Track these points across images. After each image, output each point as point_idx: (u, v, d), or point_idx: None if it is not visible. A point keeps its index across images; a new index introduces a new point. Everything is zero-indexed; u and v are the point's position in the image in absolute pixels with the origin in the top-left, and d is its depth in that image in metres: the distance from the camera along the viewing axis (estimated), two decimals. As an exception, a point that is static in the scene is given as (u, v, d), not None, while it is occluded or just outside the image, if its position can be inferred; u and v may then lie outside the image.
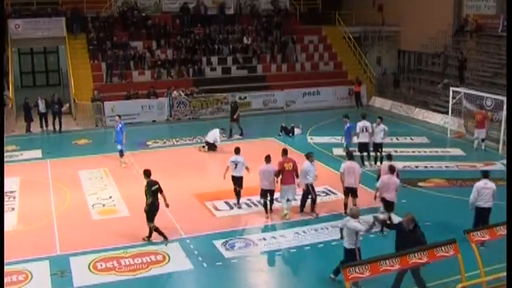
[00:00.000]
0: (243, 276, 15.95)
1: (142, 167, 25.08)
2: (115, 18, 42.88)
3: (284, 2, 46.70)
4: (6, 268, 15.86)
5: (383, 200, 18.11)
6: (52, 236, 18.44)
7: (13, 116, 35.79)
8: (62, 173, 24.96)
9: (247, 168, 20.40)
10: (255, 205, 20.42)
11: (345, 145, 25.40)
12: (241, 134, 30.77)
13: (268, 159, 19.47)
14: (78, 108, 36.42)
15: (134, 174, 24.53)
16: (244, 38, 42.67)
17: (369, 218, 15.76)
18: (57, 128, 33.58)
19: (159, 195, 17.58)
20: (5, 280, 15.23)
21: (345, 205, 19.42)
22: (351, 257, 13.99)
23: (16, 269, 15.97)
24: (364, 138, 25.04)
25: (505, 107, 26.39)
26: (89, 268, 16.07)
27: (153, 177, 17.85)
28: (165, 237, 17.67)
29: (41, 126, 34.08)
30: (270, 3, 46.20)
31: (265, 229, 18.73)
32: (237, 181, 20.56)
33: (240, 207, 20.57)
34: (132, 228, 18.67)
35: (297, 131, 31.25)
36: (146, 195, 17.59)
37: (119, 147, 25.85)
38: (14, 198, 22.23)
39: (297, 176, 19.37)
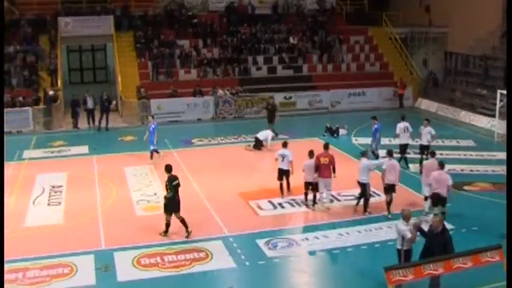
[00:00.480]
0: (285, 276, 15.98)
1: (187, 164, 25.56)
2: (162, 17, 43.25)
3: (330, 2, 46.53)
4: (53, 260, 16.32)
5: (434, 195, 18.28)
6: (97, 230, 18.73)
7: (61, 112, 36.37)
8: (107, 169, 25.30)
9: (291, 162, 21.01)
10: (299, 205, 20.47)
11: (372, 146, 25.41)
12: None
13: (311, 154, 20.22)
14: (125, 105, 36.84)
15: (178, 172, 24.68)
16: (291, 37, 42.65)
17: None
18: (103, 124, 34.01)
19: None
20: (52, 272, 15.69)
21: (388, 204, 19.53)
22: (398, 257, 13.94)
23: (62, 262, 16.27)
24: (404, 139, 24.96)
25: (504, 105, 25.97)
26: (132, 263, 16.25)
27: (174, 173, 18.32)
28: (166, 232, 18.06)
29: (88, 123, 34.60)
30: (316, 3, 46.09)
31: (308, 229, 18.72)
32: (284, 173, 21.29)
33: (284, 198, 21.20)
34: (176, 225, 18.77)
35: (342, 131, 31.16)
36: (167, 189, 17.99)
37: (152, 147, 26.07)
38: (61, 192, 22.67)
39: (334, 171, 20.07)
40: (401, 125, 25.05)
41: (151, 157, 26.11)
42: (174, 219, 17.98)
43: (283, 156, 21.30)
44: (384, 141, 27.12)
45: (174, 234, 18.09)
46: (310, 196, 20.43)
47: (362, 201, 19.73)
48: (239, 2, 44.40)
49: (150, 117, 27.11)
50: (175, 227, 18.50)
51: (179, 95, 36.88)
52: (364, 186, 19.53)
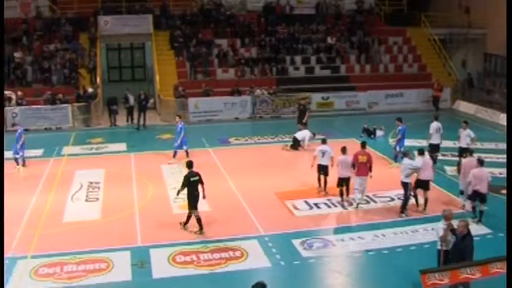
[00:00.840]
0: (319, 276, 15.97)
1: (223, 163, 25.67)
2: (200, 16, 43.43)
3: (369, 2, 46.31)
4: (90, 256, 16.54)
5: (474, 192, 18.40)
6: (134, 227, 18.91)
7: (100, 109, 36.77)
8: (145, 167, 25.51)
9: (332, 158, 21.39)
10: (335, 205, 20.44)
11: (397, 148, 25.21)
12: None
13: (344, 150, 20.61)
14: (163, 103, 37.10)
15: (215, 170, 24.85)
16: (329, 37, 42.56)
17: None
18: (141, 122, 34.28)
19: (198, 186, 18.24)
20: (88, 267, 15.90)
21: (415, 197, 19.93)
22: (438, 258, 13.85)
23: (99, 258, 16.48)
24: (437, 139, 24.83)
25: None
26: (168, 260, 16.37)
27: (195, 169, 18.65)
28: (200, 228, 18.22)
29: (127, 120, 34.92)
30: (355, 3, 45.89)
31: (344, 230, 18.68)
32: (323, 169, 21.70)
33: (324, 193, 21.67)
34: (211, 223, 18.92)
35: (379, 132, 31.00)
36: (182, 184, 18.17)
37: (176, 144, 26.07)
38: (99, 189, 22.95)
39: (370, 170, 20.31)
40: (435, 125, 24.97)
41: (174, 156, 26.14)
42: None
43: (323, 152, 21.75)
44: (421, 142, 26.97)
45: (209, 232, 18.19)
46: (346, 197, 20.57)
47: (404, 201, 19.74)
48: (277, 1, 44.41)
49: (177, 117, 27.07)
50: (209, 225, 18.63)
51: (217, 94, 37.05)
52: (405, 186, 19.51)
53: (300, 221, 19.30)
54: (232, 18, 43.33)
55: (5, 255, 16.61)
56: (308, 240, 17.57)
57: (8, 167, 24.78)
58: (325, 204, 20.64)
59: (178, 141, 26.03)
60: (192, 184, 18.16)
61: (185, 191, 18.21)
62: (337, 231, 18.65)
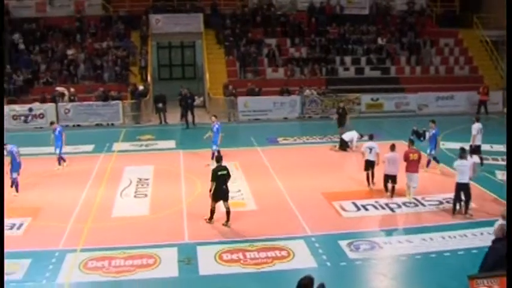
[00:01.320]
0: (366, 278, 15.86)
1: (272, 163, 25.71)
2: (251, 15, 43.57)
3: (420, 3, 45.82)
4: (138, 251, 16.71)
5: None
6: (181, 224, 19.06)
7: (150, 106, 37.17)
8: (193, 164, 25.69)
9: (378, 154, 21.98)
10: (383, 208, 20.29)
11: (428, 151, 24.79)
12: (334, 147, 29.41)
13: (393, 147, 21.24)
14: (212, 102, 37.32)
15: (264, 170, 24.91)
16: (379, 38, 42.30)
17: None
18: (190, 120, 34.49)
19: (227, 180, 18.90)
20: (136, 262, 16.07)
21: (459, 200, 19.71)
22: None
23: (146, 253, 16.61)
24: (479, 140, 24.81)
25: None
26: (215, 258, 16.42)
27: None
28: (210, 218, 18.85)
29: (182, 118, 35.11)
30: (406, 4, 45.47)
31: (392, 233, 18.54)
32: (370, 165, 22.30)
33: (372, 187, 22.15)
34: (258, 222, 19.01)
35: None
36: (211, 179, 18.64)
37: (214, 147, 25.65)
38: (148, 185, 23.21)
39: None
40: (476, 126, 24.98)
41: (213, 157, 25.47)
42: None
43: (370, 149, 22.34)
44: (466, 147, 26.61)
45: (256, 231, 18.25)
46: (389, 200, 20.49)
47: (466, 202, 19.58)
48: (327, 1, 44.28)
49: (212, 117, 26.96)
50: (256, 224, 18.69)
51: (266, 93, 37.13)
52: (463, 187, 19.34)
53: (347, 222, 19.21)
54: (283, 18, 43.36)
55: (56, 248, 17.05)
56: (355, 241, 17.45)
57: (48, 163, 25.37)
58: (373, 206, 20.48)
59: (218, 142, 25.83)
60: (219, 178, 18.61)
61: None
62: (385, 233, 18.49)
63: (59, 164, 25.54)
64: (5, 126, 33.86)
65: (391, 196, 21.09)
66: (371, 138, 23.13)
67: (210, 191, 18.81)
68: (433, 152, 24.52)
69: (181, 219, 19.41)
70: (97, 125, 34.97)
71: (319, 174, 24.46)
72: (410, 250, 17.09)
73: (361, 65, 41.13)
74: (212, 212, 18.96)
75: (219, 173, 18.73)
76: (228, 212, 18.75)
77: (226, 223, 18.70)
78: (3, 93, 33.90)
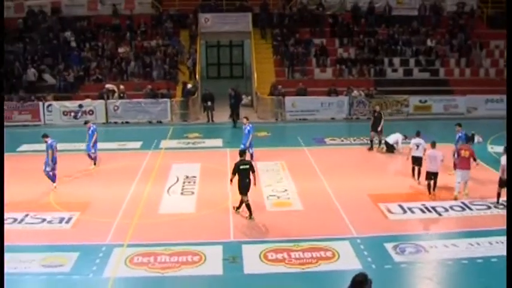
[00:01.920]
0: (410, 282, 15.75)
1: (318, 163, 25.70)
2: (300, 15, 43.53)
3: (470, 4, 45.14)
4: (183, 248, 16.85)
5: None
6: (227, 222, 19.11)
7: (198, 105, 37.44)
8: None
9: (425, 150, 22.44)
10: (429, 211, 20.07)
11: (455, 155, 23.71)
12: (370, 148, 28.93)
13: (434, 144, 21.62)
14: (259, 101, 37.40)
15: (310, 170, 24.90)
16: (428, 40, 41.86)
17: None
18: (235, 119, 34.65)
19: (250, 174, 19.21)
20: (181, 259, 16.19)
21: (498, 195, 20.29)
22: None
23: (192, 250, 16.72)
24: None
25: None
26: (259, 257, 16.43)
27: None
28: (250, 214, 19.23)
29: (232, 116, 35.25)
30: (456, 5, 44.89)
31: (438, 236, 18.34)
32: (417, 160, 22.98)
33: (419, 183, 22.61)
34: (304, 222, 19.00)
35: (477, 138, 30.25)
36: (232, 172, 19.27)
37: (243, 146, 25.18)
38: (194, 183, 23.38)
39: (475, 160, 21.31)
40: None
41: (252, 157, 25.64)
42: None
43: (417, 145, 23.07)
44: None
45: (301, 231, 18.23)
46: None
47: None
48: (371, 2, 44.04)
49: (244, 119, 26.82)
50: (302, 224, 18.70)
51: (314, 93, 37.10)
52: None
53: (393, 225, 19.08)
54: (332, 18, 43.24)
55: (103, 243, 17.30)
56: (401, 244, 17.31)
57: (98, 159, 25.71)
58: (420, 209, 20.27)
59: (247, 144, 25.62)
60: (242, 172, 19.10)
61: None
62: (431, 237, 18.29)
63: (94, 163, 25.67)
64: (55, 122, 34.65)
65: (433, 191, 21.36)
66: (418, 134, 23.64)
67: (231, 181, 19.43)
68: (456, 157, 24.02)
69: (227, 218, 19.47)
70: (148, 122, 35.35)
71: (366, 175, 24.35)
72: (456, 254, 16.86)
73: (410, 67, 40.74)
74: (248, 206, 19.30)
75: (241, 167, 19.22)
76: (247, 205, 19.30)
77: (250, 216, 19.25)
78: (3, 93, 34.40)
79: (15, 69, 38.84)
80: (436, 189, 21.56)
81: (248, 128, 25.83)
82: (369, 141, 28.86)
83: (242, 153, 20.07)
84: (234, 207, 19.84)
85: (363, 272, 10.59)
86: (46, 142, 22.54)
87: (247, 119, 26.88)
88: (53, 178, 22.53)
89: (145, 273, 15.47)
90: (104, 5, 43.85)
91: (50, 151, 22.35)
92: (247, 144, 25.57)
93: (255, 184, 19.37)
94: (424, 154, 22.44)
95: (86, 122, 26.64)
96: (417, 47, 41.63)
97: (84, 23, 42.47)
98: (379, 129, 28.50)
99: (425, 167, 21.71)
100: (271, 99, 36.71)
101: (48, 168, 22.38)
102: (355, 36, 42.03)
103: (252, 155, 25.58)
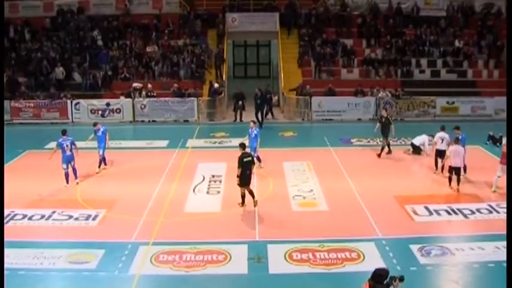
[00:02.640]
0: (436, 284, 15.62)
1: (344, 163, 25.64)
2: (327, 16, 43.47)
3: (499, 5, 44.70)
4: (208, 247, 16.89)
5: None
6: (252, 222, 19.12)
7: (225, 104, 37.54)
8: (266, 163, 25.73)
9: (449, 145, 23.29)
10: (455, 213, 19.93)
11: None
12: (389, 152, 27.98)
13: (457, 140, 22.51)
14: (286, 101, 37.44)
15: (336, 170, 24.86)
16: (456, 40, 41.57)
17: None
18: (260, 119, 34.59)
19: (252, 166, 20.30)
20: (206, 258, 16.24)
21: None
22: None
23: (217, 249, 16.75)
24: None
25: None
26: (284, 257, 16.42)
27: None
28: (242, 203, 20.29)
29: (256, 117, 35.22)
30: (484, 5, 44.50)
31: (464, 239, 18.20)
32: (440, 153, 23.85)
33: (441, 175, 23.61)
34: (329, 222, 18.97)
35: (505, 140, 29.97)
36: (238, 165, 19.82)
37: (252, 152, 24.54)
38: (220, 182, 23.48)
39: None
40: None
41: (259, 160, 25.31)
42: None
43: (442, 139, 23.99)
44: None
45: (327, 231, 18.20)
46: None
47: None
48: (387, 3, 43.84)
49: (251, 123, 26.03)
50: (327, 225, 18.67)
51: (340, 94, 37.03)
52: None
53: (419, 227, 18.97)
54: (359, 19, 43.12)
55: (129, 240, 17.42)
56: (426, 246, 17.19)
57: (124, 157, 25.77)
58: (446, 211, 20.14)
59: (257, 147, 25.08)
60: (245, 164, 19.80)
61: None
62: (457, 239, 18.14)
63: (99, 166, 24.94)
64: (83, 120, 34.94)
65: (457, 186, 22.11)
66: (443, 129, 24.42)
67: (238, 176, 19.84)
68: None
69: (252, 217, 19.49)
70: (174, 120, 35.52)
71: (392, 176, 24.25)
72: (482, 258, 16.71)
73: (437, 68, 40.49)
74: (243, 197, 20.21)
75: (245, 159, 19.94)
76: (244, 195, 20.27)
77: (242, 204, 20.36)
78: (3, 93, 34.68)
79: (43, 67, 39.23)
80: (460, 184, 22.14)
81: (255, 132, 25.37)
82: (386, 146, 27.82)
83: (243, 146, 20.71)
84: (238, 204, 20.36)
85: (385, 267, 10.62)
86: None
87: (254, 123, 26.40)
88: (66, 177, 22.80)
89: (170, 272, 15.55)
90: (132, 4, 44.14)
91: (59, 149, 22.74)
92: (257, 148, 25.08)
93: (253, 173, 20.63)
94: (447, 149, 23.03)
95: (94, 124, 25.60)
96: (445, 47, 41.36)
97: (113, 22, 42.77)
98: (393, 133, 27.85)
99: (449, 162, 22.39)
100: (297, 99, 36.70)
101: (63, 166, 22.70)
102: (383, 37, 41.85)
103: (258, 158, 25.11)
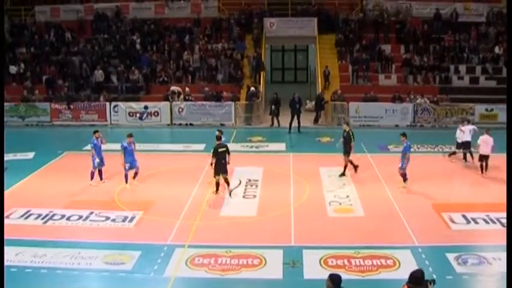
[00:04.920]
0: (473, 294, 15.55)
1: (381, 170, 25.49)
2: (365, 21, 43.35)
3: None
4: (244, 251, 16.96)
5: None
6: (288, 226, 19.12)
7: (262, 109, 37.62)
8: (303, 167, 25.77)
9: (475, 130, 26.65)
10: (493, 222, 19.65)
11: (401, 166, 23.13)
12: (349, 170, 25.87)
13: (488, 131, 25.25)
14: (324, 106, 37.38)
15: (372, 176, 24.76)
16: (496, 47, 41.11)
17: None
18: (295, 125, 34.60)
19: (227, 156, 21.94)
20: (241, 262, 16.28)
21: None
22: None
23: (252, 253, 16.78)
24: None
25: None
26: (320, 263, 16.37)
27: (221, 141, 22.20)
28: (216, 190, 21.99)
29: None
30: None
31: (502, 249, 17.86)
32: (466, 145, 26.61)
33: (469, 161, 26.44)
34: (365, 229, 18.87)
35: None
36: (212, 155, 21.72)
37: None
38: (257, 186, 23.52)
39: None
40: None
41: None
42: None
43: (470, 130, 26.68)
44: None
45: (362, 238, 18.14)
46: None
47: None
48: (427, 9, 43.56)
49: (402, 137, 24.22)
50: (363, 231, 18.60)
51: (378, 100, 36.89)
52: None
53: (456, 235, 18.79)
54: (398, 24, 42.90)
55: (165, 242, 17.54)
56: (463, 255, 16.99)
57: (162, 159, 25.87)
58: (483, 219, 19.89)
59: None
60: (219, 154, 21.61)
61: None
62: (495, 249, 17.83)
63: (92, 178, 23.71)
64: (121, 123, 35.28)
65: (485, 171, 24.72)
66: (468, 122, 28.06)
67: (211, 164, 21.79)
68: (404, 166, 23.11)
69: (288, 222, 19.50)
70: (211, 124, 35.75)
71: (430, 184, 23.98)
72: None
73: (476, 74, 40.09)
74: (217, 184, 21.88)
75: (219, 149, 21.74)
76: (227, 182, 22.13)
77: (230, 192, 22.04)
78: (3, 93, 35.08)
79: (83, 70, 39.74)
80: (488, 170, 24.69)
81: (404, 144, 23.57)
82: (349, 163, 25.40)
83: (219, 138, 22.34)
84: (213, 192, 22.07)
85: (421, 269, 10.67)
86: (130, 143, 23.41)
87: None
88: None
89: (205, 275, 15.62)
90: (171, 8, 44.51)
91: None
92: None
93: (228, 163, 22.10)
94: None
95: (95, 132, 24.20)
96: (484, 54, 40.94)
97: (152, 26, 43.14)
98: (352, 151, 25.08)
99: (479, 150, 24.93)
100: (334, 105, 36.62)
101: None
102: (421, 43, 41.55)
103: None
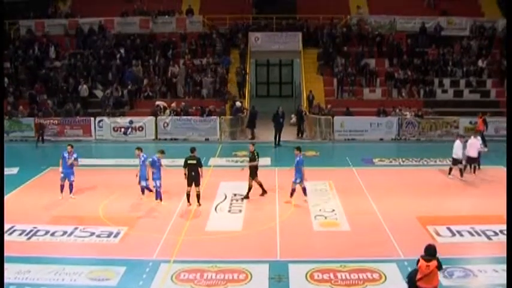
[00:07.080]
0: (459, 306, 15.55)
1: (366, 183, 25.52)
2: (349, 35, 43.58)
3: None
4: (229, 265, 16.88)
5: None
6: (274, 241, 19.07)
7: (245, 123, 37.59)
8: (288, 182, 25.52)
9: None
10: (478, 234, 19.73)
11: (294, 180, 23.05)
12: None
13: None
14: (308, 120, 37.41)
15: (358, 190, 24.78)
16: (479, 60, 41.42)
17: None
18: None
19: (198, 169, 22.27)
20: (227, 277, 16.20)
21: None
22: None
23: (238, 268, 16.72)
24: None
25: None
26: (305, 277, 16.33)
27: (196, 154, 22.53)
28: (188, 200, 22.46)
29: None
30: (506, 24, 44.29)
31: (487, 261, 18.02)
32: (472, 159, 27.01)
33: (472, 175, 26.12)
34: (351, 243, 18.87)
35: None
36: (183, 165, 22.34)
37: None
38: (242, 201, 23.51)
39: None
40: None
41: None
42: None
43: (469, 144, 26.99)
44: None
45: (348, 252, 18.14)
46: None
47: None
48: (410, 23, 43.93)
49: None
50: (349, 245, 18.59)
51: (363, 113, 37.06)
52: None
53: (441, 248, 18.54)
54: (381, 38, 43.15)
55: (150, 258, 17.45)
56: (449, 268, 16.96)
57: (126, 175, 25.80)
58: (469, 232, 19.97)
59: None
60: (189, 166, 22.22)
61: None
62: (480, 261, 17.93)
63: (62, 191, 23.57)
64: (106, 138, 35.17)
65: (474, 173, 26.60)
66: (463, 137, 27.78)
67: (185, 174, 22.26)
68: (298, 182, 23.03)
69: (274, 236, 19.46)
70: (195, 139, 35.66)
71: (414, 197, 24.07)
72: (506, 280, 16.57)
73: (460, 88, 40.37)
74: (188, 195, 22.44)
75: (189, 161, 22.31)
76: (198, 195, 22.40)
77: (198, 204, 22.34)
78: (3, 96, 34.84)
79: (69, 84, 39.65)
80: (477, 172, 26.57)
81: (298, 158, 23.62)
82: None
83: (192, 149, 22.69)
84: (188, 205, 22.44)
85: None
86: (138, 156, 23.76)
87: (299, 149, 24.02)
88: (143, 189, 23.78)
89: (191, 290, 15.54)
90: (156, 23, 44.58)
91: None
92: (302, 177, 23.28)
93: (202, 176, 22.50)
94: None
95: (71, 145, 24.41)
96: (467, 67, 41.21)
97: (137, 41, 43.14)
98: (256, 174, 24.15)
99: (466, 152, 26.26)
100: (318, 119, 36.70)
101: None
102: (405, 57, 41.79)
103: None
